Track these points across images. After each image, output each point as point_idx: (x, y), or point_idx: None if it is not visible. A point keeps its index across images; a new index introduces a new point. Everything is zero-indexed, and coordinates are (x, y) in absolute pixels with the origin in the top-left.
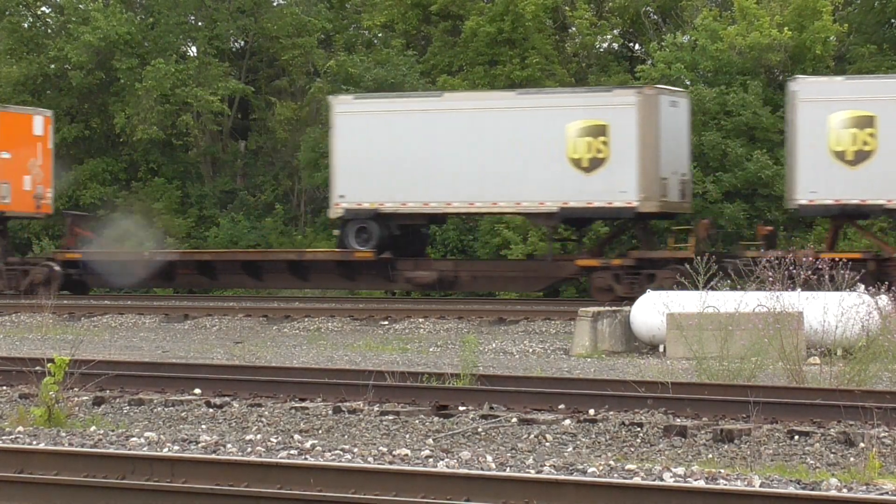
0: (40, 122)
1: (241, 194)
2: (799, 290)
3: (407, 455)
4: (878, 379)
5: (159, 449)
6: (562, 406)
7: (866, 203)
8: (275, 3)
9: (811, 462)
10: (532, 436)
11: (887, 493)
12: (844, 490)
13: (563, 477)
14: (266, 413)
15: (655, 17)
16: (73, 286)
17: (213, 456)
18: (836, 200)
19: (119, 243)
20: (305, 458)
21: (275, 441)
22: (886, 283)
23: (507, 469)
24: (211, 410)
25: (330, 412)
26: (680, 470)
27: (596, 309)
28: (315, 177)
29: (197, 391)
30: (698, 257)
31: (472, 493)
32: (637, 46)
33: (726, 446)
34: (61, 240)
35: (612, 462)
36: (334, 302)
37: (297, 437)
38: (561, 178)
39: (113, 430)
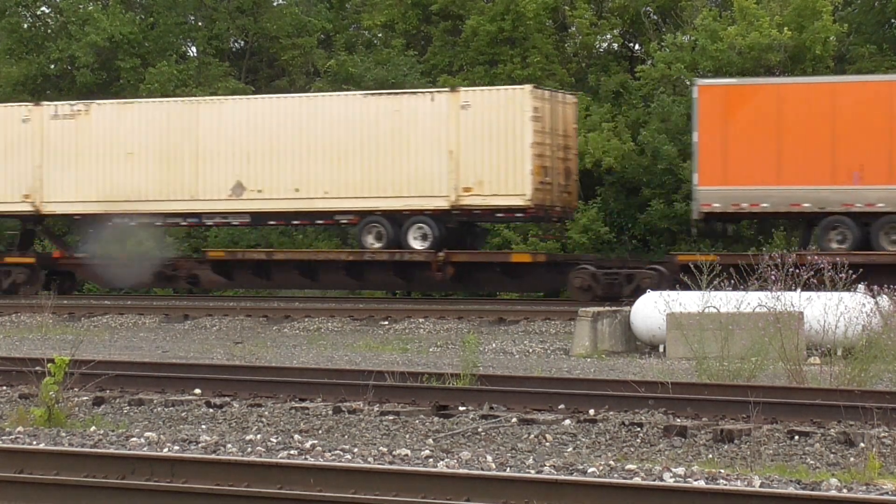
0: None
1: None
2: (799, 290)
3: (407, 455)
4: (879, 379)
5: (159, 449)
6: (562, 406)
7: None
8: (275, 3)
9: (811, 462)
10: (532, 436)
11: (887, 493)
12: (844, 490)
13: (563, 477)
14: (266, 413)
15: (655, 17)
16: None
17: (214, 456)
18: None
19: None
20: (305, 459)
21: (275, 441)
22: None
23: (507, 469)
24: (211, 410)
25: (330, 412)
26: (680, 470)
27: (596, 309)
28: None
29: (197, 391)
30: None
31: (473, 493)
32: (637, 46)
33: (726, 446)
34: None
35: (612, 462)
36: (334, 302)
37: (297, 437)
38: None
39: (113, 431)
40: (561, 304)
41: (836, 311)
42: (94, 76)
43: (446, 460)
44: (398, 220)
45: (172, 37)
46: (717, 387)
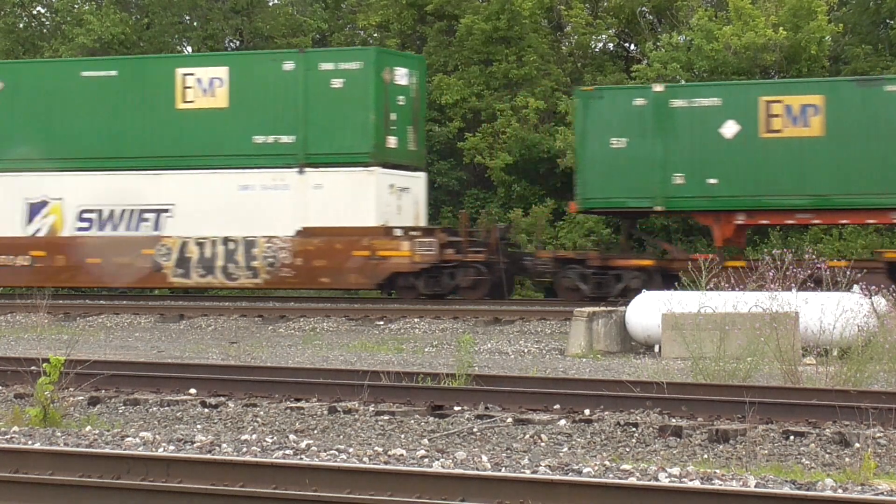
0: None
1: None
2: (795, 290)
3: (402, 455)
4: (874, 379)
5: (155, 449)
6: (557, 406)
7: None
8: (270, 3)
9: (806, 462)
10: (527, 436)
11: (882, 493)
12: (840, 490)
13: (558, 477)
14: (261, 413)
15: (651, 16)
16: None
17: (209, 456)
18: None
19: None
20: (301, 458)
21: (270, 441)
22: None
23: (503, 469)
24: (206, 410)
25: (325, 412)
26: (675, 470)
27: (591, 309)
28: None
29: (192, 391)
30: None
31: (468, 493)
32: (633, 46)
33: (721, 446)
34: None
35: (607, 462)
36: (329, 302)
37: (292, 437)
38: None
39: (108, 430)
40: (556, 305)
41: (833, 311)
42: None
43: (441, 460)
44: None
45: (167, 37)
46: (712, 387)
